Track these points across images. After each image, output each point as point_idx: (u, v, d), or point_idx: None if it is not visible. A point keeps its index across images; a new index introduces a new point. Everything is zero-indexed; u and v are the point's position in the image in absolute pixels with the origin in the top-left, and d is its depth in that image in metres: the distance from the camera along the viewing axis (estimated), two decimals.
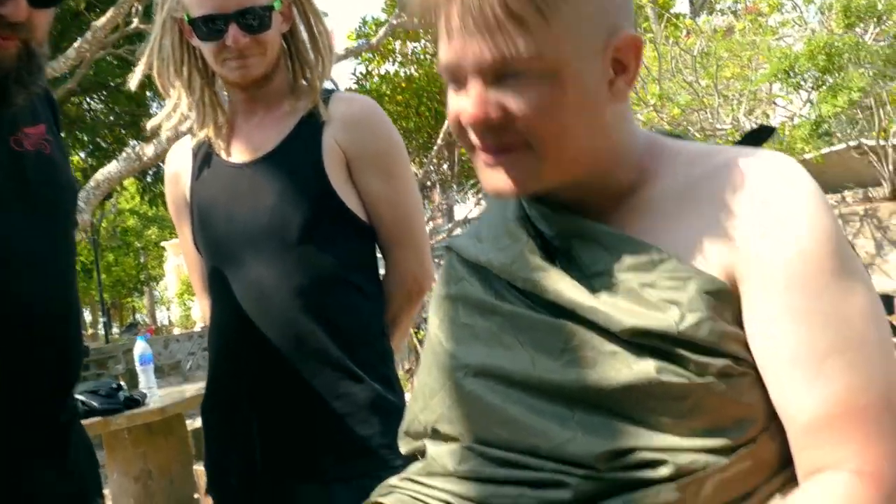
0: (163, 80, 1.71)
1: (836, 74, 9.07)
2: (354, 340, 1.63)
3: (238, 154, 1.70)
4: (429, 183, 10.98)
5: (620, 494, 0.84)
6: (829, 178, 10.19)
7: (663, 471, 0.83)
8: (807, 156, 9.94)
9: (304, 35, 1.72)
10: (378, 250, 1.76)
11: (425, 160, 9.35)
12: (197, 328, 19.37)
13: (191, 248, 1.81)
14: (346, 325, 1.63)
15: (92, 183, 6.62)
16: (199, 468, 4.24)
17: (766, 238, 0.84)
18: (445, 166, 10.70)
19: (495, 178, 0.90)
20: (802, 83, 9.69)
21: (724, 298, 0.84)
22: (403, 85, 10.93)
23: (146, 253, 31.93)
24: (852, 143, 11.36)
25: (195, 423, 5.60)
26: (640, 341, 0.85)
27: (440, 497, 0.97)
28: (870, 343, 0.82)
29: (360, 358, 1.63)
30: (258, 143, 1.68)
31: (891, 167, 10.27)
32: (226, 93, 1.75)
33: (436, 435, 1.03)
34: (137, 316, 36.02)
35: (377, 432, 1.60)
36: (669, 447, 0.83)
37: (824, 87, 9.37)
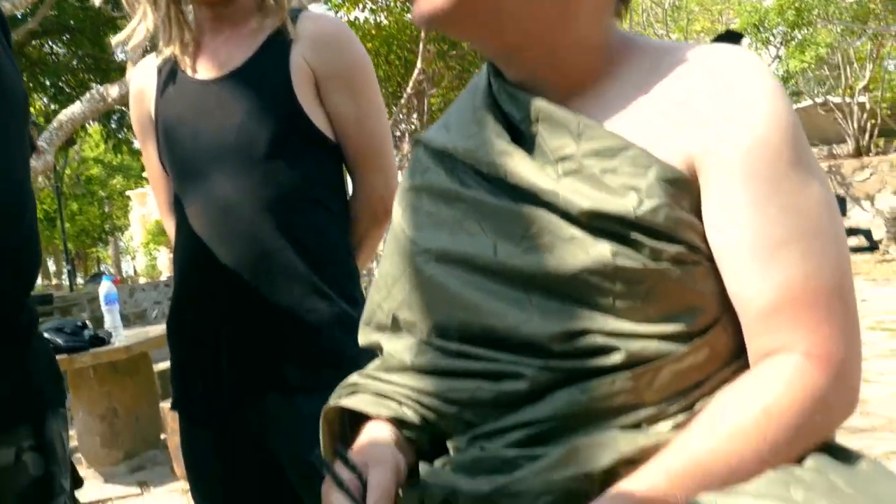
0: None
1: (805, 30, 9.14)
2: (321, 258, 1.64)
3: (204, 71, 1.69)
4: (398, 133, 10.93)
5: (576, 383, 0.87)
6: None
7: (616, 357, 0.85)
8: None
9: None
10: (345, 171, 1.77)
11: (394, 109, 9.30)
12: (163, 277, 19.22)
13: (156, 167, 1.80)
14: (312, 242, 1.64)
15: (55, 124, 6.52)
16: (166, 406, 4.26)
17: (728, 122, 0.86)
18: (415, 116, 10.65)
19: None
20: (771, 38, 9.75)
21: (683, 187, 0.87)
22: (373, 32, 10.81)
23: (111, 202, 31.54)
24: (819, 101, 11.48)
25: (161, 365, 5.60)
26: (598, 225, 0.87)
27: (399, 392, 0.99)
28: (824, 233, 0.85)
29: (327, 276, 1.64)
30: (225, 60, 1.67)
31: (855, 125, 10.39)
32: (191, 10, 1.73)
33: (395, 325, 1.05)
34: (102, 266, 35.68)
35: (343, 346, 1.61)
36: (622, 332, 0.86)
37: (793, 43, 9.43)
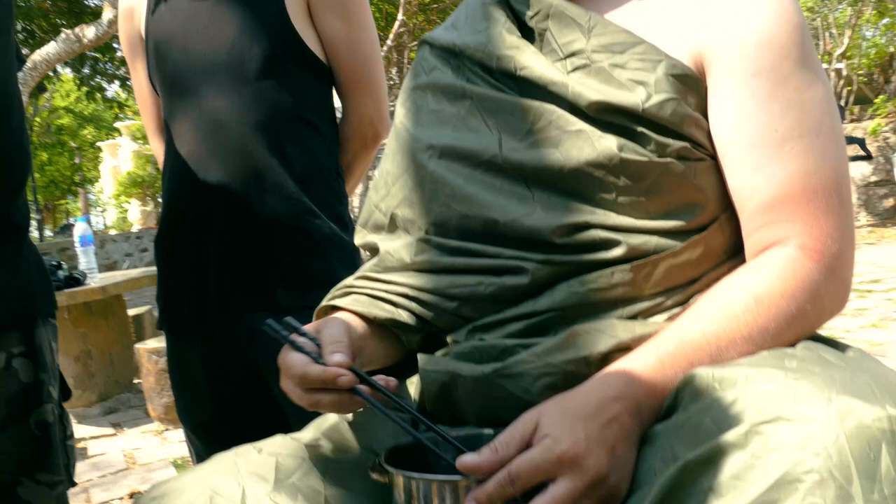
0: None
1: None
2: (311, 179, 1.64)
3: None
4: None
5: (575, 276, 0.88)
6: None
7: (617, 251, 0.87)
8: None
9: None
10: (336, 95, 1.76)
11: None
12: (134, 229, 19.06)
13: (145, 87, 1.79)
14: (303, 163, 1.63)
15: (29, 64, 6.40)
16: (141, 347, 4.25)
17: (737, 19, 0.87)
18: (394, 71, 10.56)
19: None
20: None
21: (690, 84, 0.88)
22: None
23: (81, 154, 31.09)
24: None
25: (134, 309, 5.58)
26: (606, 118, 0.88)
27: (397, 291, 0.99)
28: (825, 131, 0.86)
29: (317, 195, 1.64)
30: None
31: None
32: None
33: (393, 224, 1.05)
34: (71, 219, 35.27)
35: (333, 267, 1.62)
36: (624, 226, 0.87)
37: None
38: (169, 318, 1.71)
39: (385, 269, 1.02)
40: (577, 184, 0.89)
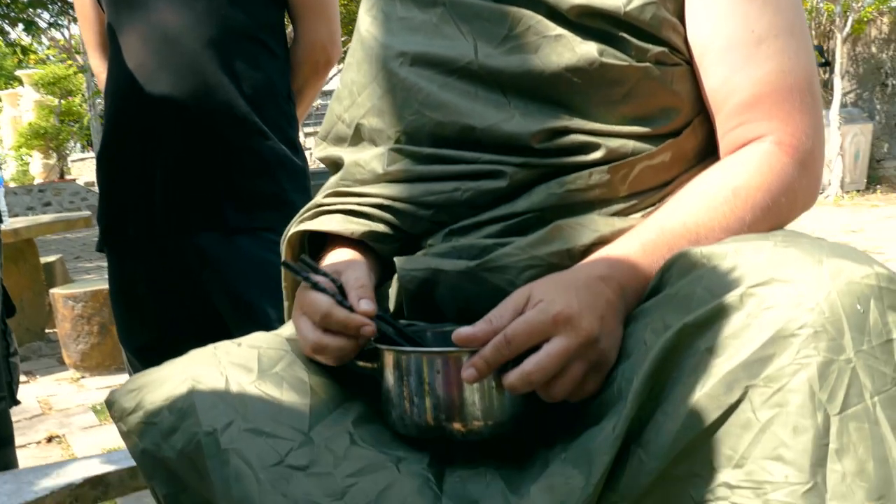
0: None
1: None
2: (262, 100, 1.62)
3: None
4: None
5: (554, 179, 0.90)
6: None
7: (596, 154, 0.89)
8: None
9: None
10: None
11: None
12: (36, 182, 18.33)
13: (87, 1, 1.74)
14: (254, 82, 1.62)
15: None
16: (56, 292, 4.13)
17: None
18: None
19: None
20: None
21: None
22: None
23: None
24: None
25: (46, 258, 5.40)
26: (586, 23, 0.89)
27: (371, 203, 0.98)
28: (798, 31, 0.90)
29: (267, 117, 1.63)
30: None
31: None
32: None
33: (358, 135, 1.04)
34: None
35: (284, 189, 1.62)
36: (602, 131, 0.89)
37: None
38: (112, 236, 1.68)
39: (355, 181, 1.02)
40: (556, 90, 0.90)
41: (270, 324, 1.56)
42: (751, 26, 0.89)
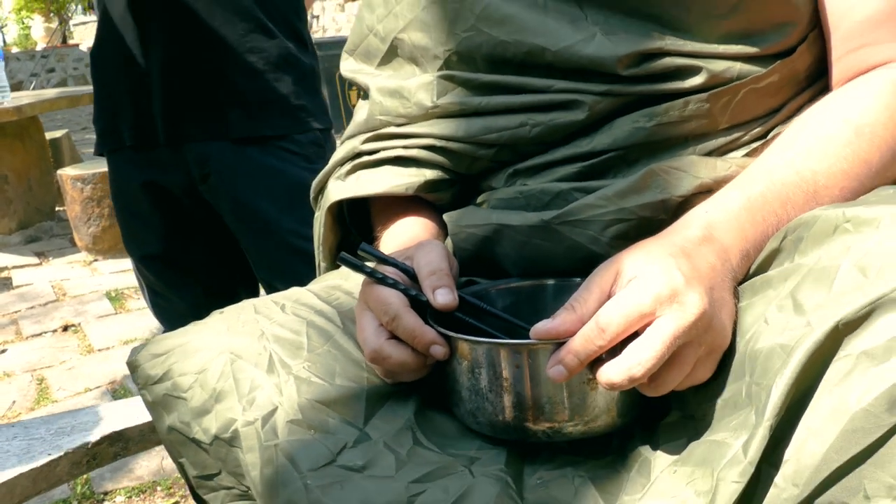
0: None
1: None
2: None
3: None
4: None
5: (640, 109, 0.75)
6: None
7: (696, 79, 0.73)
8: None
9: None
10: None
11: None
12: (38, 48, 17.88)
13: None
14: None
15: None
16: (64, 173, 4.00)
17: None
18: None
19: None
20: None
21: None
22: None
23: None
24: None
25: (51, 133, 5.25)
26: None
27: (419, 144, 0.83)
28: None
29: (272, 9, 1.46)
30: None
31: None
32: None
33: (393, 52, 0.87)
34: None
35: (291, 91, 1.46)
36: (703, 52, 0.73)
37: None
38: (109, 142, 1.54)
39: (398, 115, 0.85)
40: (645, 3, 0.74)
41: (282, 235, 1.44)
42: None
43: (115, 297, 3.43)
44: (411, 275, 0.70)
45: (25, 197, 4.52)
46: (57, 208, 4.81)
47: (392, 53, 0.88)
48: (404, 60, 0.87)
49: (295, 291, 0.81)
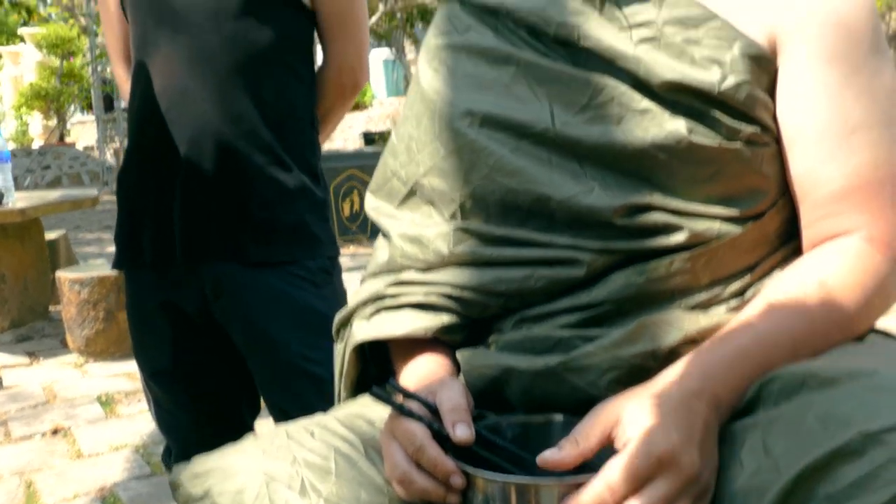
0: None
1: None
2: (286, 127, 1.57)
3: None
4: None
5: (633, 265, 0.84)
6: None
7: (678, 236, 0.83)
8: None
9: None
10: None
11: None
12: (35, 145, 18.19)
13: (112, 9, 1.68)
14: (279, 110, 1.56)
15: None
16: (62, 275, 4.07)
17: (814, 4, 0.84)
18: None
19: None
20: None
21: (763, 65, 0.84)
22: None
23: None
24: None
25: (49, 233, 5.34)
26: (677, 98, 0.83)
27: (438, 292, 0.91)
28: (894, 121, 0.85)
29: (290, 145, 1.57)
30: None
31: None
32: None
33: (413, 194, 0.98)
34: None
35: (303, 221, 1.56)
36: (686, 211, 0.84)
37: None
38: (129, 259, 1.63)
39: (418, 260, 0.94)
40: (638, 164, 0.84)
41: (289, 357, 1.52)
42: (845, 114, 0.83)
43: (106, 402, 3.45)
44: (433, 409, 0.79)
45: (20, 297, 4.57)
46: (50, 308, 4.86)
47: (411, 195, 0.99)
48: (422, 202, 0.97)
49: (322, 418, 0.89)
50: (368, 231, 8.02)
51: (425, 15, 13.22)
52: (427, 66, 1.01)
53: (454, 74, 0.96)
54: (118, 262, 1.66)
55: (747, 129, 0.83)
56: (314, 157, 1.64)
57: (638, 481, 0.67)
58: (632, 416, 0.71)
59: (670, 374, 0.76)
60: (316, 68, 1.69)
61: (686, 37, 0.85)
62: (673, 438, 0.68)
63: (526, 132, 0.89)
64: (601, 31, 0.87)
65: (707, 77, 0.82)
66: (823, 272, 0.82)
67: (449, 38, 0.99)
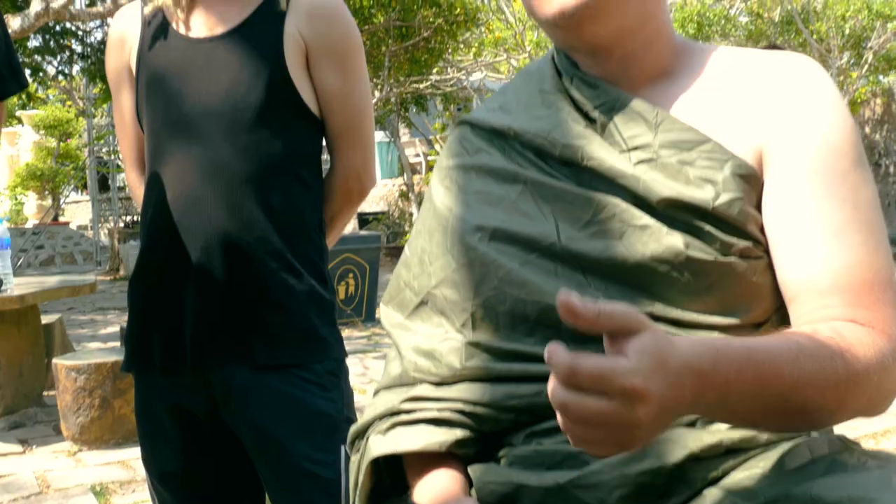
0: None
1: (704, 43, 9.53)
2: (295, 234, 1.62)
3: (195, 28, 1.63)
4: None
5: None
6: None
7: None
8: None
9: None
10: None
11: None
12: (29, 224, 18.25)
13: (128, 117, 1.74)
14: (288, 217, 1.61)
15: None
16: (60, 362, 4.07)
17: (799, 121, 0.91)
18: None
19: None
20: None
21: (752, 182, 0.91)
22: None
23: None
24: None
25: (45, 317, 5.35)
26: (674, 215, 0.90)
27: (451, 407, 0.95)
28: (875, 229, 0.90)
29: (300, 251, 1.62)
30: (218, 20, 1.62)
31: None
32: None
33: (424, 305, 1.03)
34: None
35: (313, 324, 1.60)
36: (686, 321, 0.89)
37: None
38: (139, 362, 1.66)
39: (431, 374, 0.98)
40: (639, 277, 0.90)
41: (297, 460, 1.54)
42: (829, 219, 0.88)
43: (100, 492, 3.43)
44: None
45: (15, 383, 4.56)
46: (45, 394, 4.84)
47: (423, 305, 1.04)
48: (433, 312, 1.02)
49: None
50: (363, 314, 8.06)
51: (419, 100, 13.50)
52: (439, 185, 1.08)
53: (465, 192, 1.03)
54: (127, 366, 1.68)
55: (740, 243, 0.89)
56: (322, 262, 1.69)
57: (600, 385, 0.67)
58: (643, 345, 0.69)
59: (693, 345, 0.75)
60: (323, 173, 1.75)
61: (681, 158, 0.92)
62: (652, 386, 0.67)
63: (534, 246, 0.95)
64: (602, 153, 0.95)
65: (702, 195, 0.89)
66: (838, 326, 0.85)
67: (460, 159, 1.07)
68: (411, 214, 13.70)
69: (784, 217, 0.90)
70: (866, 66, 9.45)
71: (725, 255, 0.89)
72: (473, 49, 11.40)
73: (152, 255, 1.66)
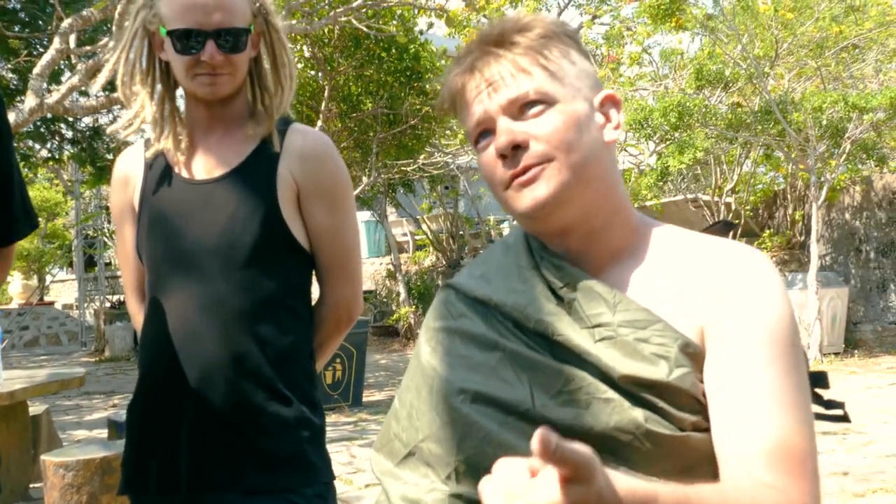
0: (125, 89, 1.75)
1: (685, 132, 9.77)
2: (285, 362, 1.72)
3: (195, 171, 1.75)
4: None
5: None
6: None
7: None
8: (648, 203, 10.68)
9: (268, 64, 1.81)
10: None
11: None
12: (14, 305, 18.23)
13: (130, 251, 1.84)
14: (279, 347, 1.71)
15: None
16: (48, 459, 4.10)
17: (738, 308, 1.03)
18: None
19: (532, 193, 1.07)
20: (652, 135, 10.36)
21: (697, 358, 1.04)
22: None
23: None
24: (690, 196, 12.25)
25: (33, 407, 5.38)
26: (633, 390, 1.02)
27: None
28: (803, 408, 1.02)
29: (290, 379, 1.72)
30: (216, 163, 1.75)
31: None
32: (182, 108, 1.81)
33: (410, 456, 1.13)
34: None
35: (303, 449, 1.69)
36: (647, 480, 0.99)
37: (672, 143, 10.07)
38: (136, 485, 1.74)
39: None
40: (605, 443, 1.01)
41: None
42: (762, 397, 0.99)
43: None
44: None
45: (2, 478, 4.57)
46: (31, 484, 4.84)
47: (410, 456, 1.15)
48: (420, 463, 1.14)
49: None
50: (350, 398, 8.09)
51: (406, 183, 13.73)
52: (426, 344, 1.21)
53: (449, 354, 1.16)
54: (124, 489, 1.77)
55: (692, 417, 1.02)
56: (312, 387, 1.78)
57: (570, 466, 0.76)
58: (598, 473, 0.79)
59: (631, 482, 0.85)
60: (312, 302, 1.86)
61: (637, 336, 1.04)
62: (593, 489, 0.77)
63: (511, 410, 1.07)
64: (569, 330, 1.08)
65: (657, 371, 1.02)
66: (760, 489, 0.95)
67: (445, 321, 1.19)
68: (398, 294, 13.79)
69: (720, 391, 1.02)
70: (844, 156, 9.73)
71: (681, 428, 1.01)
72: (460, 135, 11.65)
73: (151, 381, 1.75)
